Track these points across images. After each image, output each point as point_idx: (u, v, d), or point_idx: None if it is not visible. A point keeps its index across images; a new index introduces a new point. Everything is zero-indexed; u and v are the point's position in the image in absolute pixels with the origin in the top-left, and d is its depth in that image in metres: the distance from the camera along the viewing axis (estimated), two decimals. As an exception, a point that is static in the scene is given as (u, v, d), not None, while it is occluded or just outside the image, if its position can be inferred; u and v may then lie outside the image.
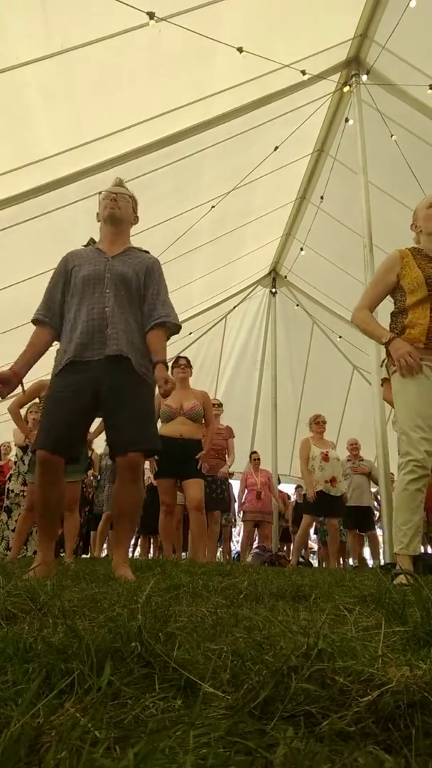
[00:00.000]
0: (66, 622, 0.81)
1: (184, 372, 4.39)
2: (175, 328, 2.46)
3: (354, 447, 7.00)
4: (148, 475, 5.50)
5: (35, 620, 0.95)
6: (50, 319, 2.41)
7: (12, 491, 4.87)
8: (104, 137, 4.90)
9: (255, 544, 7.19)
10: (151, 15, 4.07)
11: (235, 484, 7.91)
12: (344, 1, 5.12)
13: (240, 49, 4.64)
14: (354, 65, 5.80)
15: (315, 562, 8.61)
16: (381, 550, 5.23)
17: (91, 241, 2.60)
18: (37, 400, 4.33)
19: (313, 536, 8.92)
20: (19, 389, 2.33)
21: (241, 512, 7.33)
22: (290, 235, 8.75)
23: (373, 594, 1.35)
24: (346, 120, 6.18)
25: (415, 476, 2.32)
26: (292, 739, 0.44)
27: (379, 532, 6.00)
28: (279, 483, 9.01)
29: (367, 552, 8.14)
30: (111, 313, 2.30)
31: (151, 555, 7.41)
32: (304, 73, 5.34)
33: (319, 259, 8.27)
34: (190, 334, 9.24)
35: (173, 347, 7.55)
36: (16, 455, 5.09)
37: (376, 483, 6.42)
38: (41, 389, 3.92)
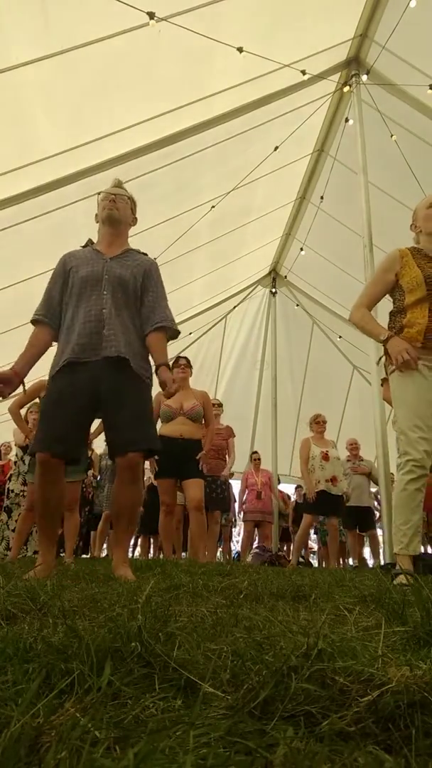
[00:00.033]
0: (66, 622, 0.81)
1: (184, 372, 4.40)
2: (174, 333, 2.47)
3: (353, 447, 7.00)
4: (149, 476, 5.51)
5: (35, 620, 0.95)
6: (50, 319, 2.41)
7: (12, 491, 4.87)
8: (104, 137, 4.90)
9: (255, 544, 7.18)
10: (151, 15, 4.07)
11: (236, 484, 7.91)
12: (344, 1, 5.12)
13: (240, 49, 4.64)
14: (354, 65, 5.80)
15: (315, 562, 8.61)
16: (381, 550, 5.23)
17: (90, 242, 2.59)
18: (37, 400, 4.33)
19: (313, 536, 8.92)
20: (20, 389, 2.33)
21: (242, 512, 7.33)
22: (290, 235, 8.75)
23: (373, 594, 1.35)
24: (346, 120, 6.18)
25: (414, 476, 2.32)
26: (292, 739, 0.44)
27: (379, 531, 6.00)
28: (279, 483, 9.01)
29: (367, 552, 8.14)
30: (108, 315, 2.30)
31: (151, 555, 7.41)
32: (304, 73, 5.34)
33: (319, 259, 8.27)
34: (190, 334, 9.23)
35: (173, 347, 7.55)
36: (17, 455, 5.09)
37: (376, 483, 6.42)
38: (41, 389, 3.91)
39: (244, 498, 7.27)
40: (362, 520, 6.68)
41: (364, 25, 5.40)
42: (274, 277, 9.95)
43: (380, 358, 2.81)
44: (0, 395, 2.25)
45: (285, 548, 9.00)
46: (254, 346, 10.59)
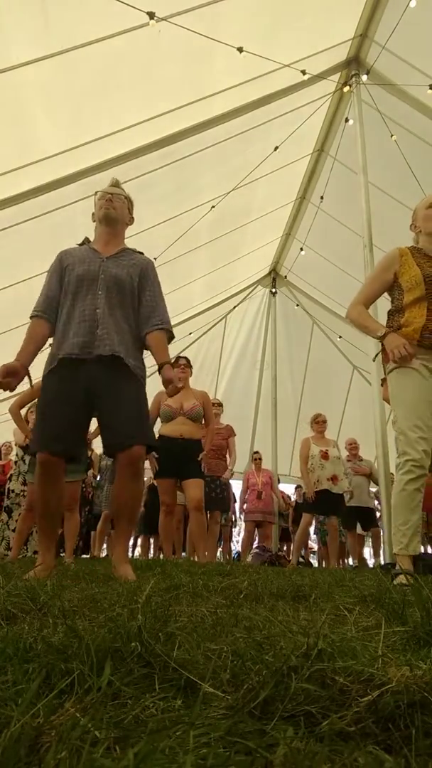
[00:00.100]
0: (66, 622, 0.81)
1: (184, 372, 4.40)
2: (170, 336, 2.47)
3: (353, 447, 7.00)
4: (149, 476, 5.51)
5: (35, 620, 0.95)
6: (48, 315, 2.42)
7: (13, 491, 4.87)
8: (104, 137, 4.91)
9: (255, 544, 7.18)
10: (151, 15, 4.07)
11: (236, 484, 7.91)
12: (344, 1, 5.12)
13: (240, 49, 4.65)
14: (354, 65, 5.80)
15: (315, 562, 8.61)
16: (381, 550, 5.23)
17: (86, 240, 2.60)
18: (37, 400, 4.33)
19: (313, 536, 8.92)
20: (26, 381, 2.33)
21: (242, 513, 7.32)
22: (290, 235, 8.75)
23: (373, 594, 1.35)
24: (346, 120, 6.18)
25: (413, 476, 2.32)
26: (292, 739, 0.44)
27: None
28: (278, 483, 9.01)
29: (367, 552, 8.13)
30: (102, 315, 2.30)
31: (151, 555, 7.41)
32: (304, 73, 5.34)
33: (319, 259, 8.27)
34: (190, 334, 9.24)
35: (173, 347, 7.54)
36: (17, 455, 5.09)
37: (377, 483, 6.42)
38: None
39: (245, 498, 7.26)
40: (364, 519, 6.68)
41: (364, 25, 5.40)
42: (274, 277, 9.96)
43: (377, 355, 2.81)
44: (9, 388, 2.24)
45: (285, 548, 9.00)
46: (254, 346, 10.59)
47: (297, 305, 9.93)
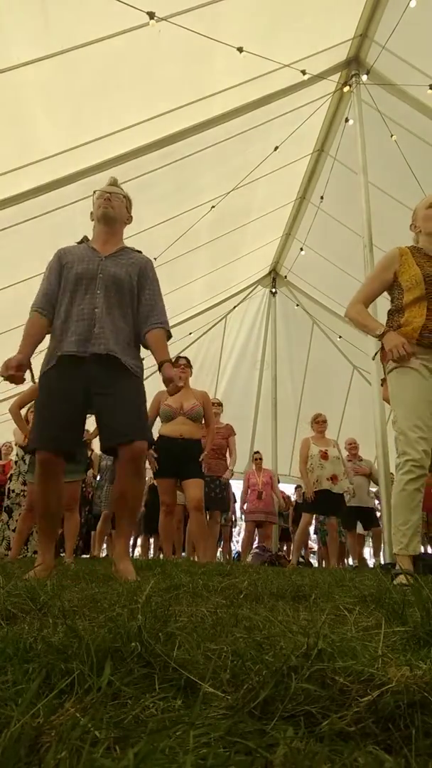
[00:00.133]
0: (66, 622, 0.81)
1: (184, 372, 4.40)
2: (168, 335, 2.48)
3: (352, 447, 7.00)
4: (149, 476, 5.50)
5: (35, 620, 0.95)
6: (47, 312, 2.42)
7: (13, 491, 4.88)
8: (104, 137, 4.90)
9: (255, 544, 7.18)
10: (151, 15, 4.07)
11: (237, 484, 7.91)
12: (344, 1, 5.12)
13: (240, 49, 4.64)
14: (354, 65, 5.80)
15: (315, 562, 8.61)
16: (381, 551, 5.23)
17: (85, 239, 2.61)
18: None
19: (313, 536, 8.92)
20: (28, 375, 2.34)
21: (243, 513, 7.32)
22: (290, 235, 8.75)
23: (373, 594, 1.35)
24: (346, 120, 6.18)
25: (413, 476, 2.32)
26: (292, 739, 0.44)
27: (381, 530, 5.99)
28: (278, 483, 9.01)
29: (367, 552, 8.13)
30: (100, 314, 2.31)
31: (151, 555, 7.41)
32: (304, 73, 5.34)
33: (319, 259, 8.27)
34: (190, 334, 9.24)
35: (173, 347, 7.54)
36: (17, 455, 5.10)
37: (377, 483, 6.42)
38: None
39: (246, 498, 7.26)
40: (364, 519, 6.68)
41: (364, 25, 5.40)
42: (274, 277, 9.96)
43: (376, 353, 2.81)
44: (15, 381, 2.26)
45: (285, 548, 9.00)
46: (254, 346, 10.59)
47: (297, 305, 9.93)
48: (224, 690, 0.56)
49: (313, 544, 9.90)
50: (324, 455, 5.63)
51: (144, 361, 2.48)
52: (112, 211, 2.52)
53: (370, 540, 7.48)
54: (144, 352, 2.48)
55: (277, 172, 6.73)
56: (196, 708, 0.49)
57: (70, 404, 2.25)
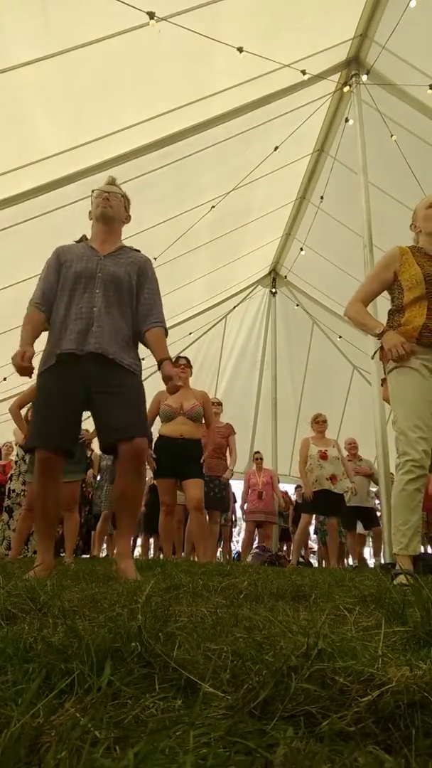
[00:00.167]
0: (66, 622, 0.81)
1: (184, 372, 4.40)
2: (165, 333, 2.49)
3: (352, 447, 7.00)
4: (149, 476, 5.50)
5: (35, 620, 0.95)
6: (46, 308, 2.43)
7: (13, 491, 4.88)
8: (104, 137, 4.90)
9: (255, 544, 7.18)
10: (151, 15, 4.07)
11: (237, 484, 7.90)
12: (344, 1, 5.12)
13: (240, 49, 4.64)
14: (354, 65, 5.80)
15: (315, 562, 8.61)
16: (382, 551, 5.22)
17: (84, 238, 2.61)
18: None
19: (313, 536, 8.92)
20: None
21: (243, 513, 7.32)
22: (290, 235, 8.75)
23: (373, 594, 1.35)
24: (346, 120, 6.18)
25: (413, 476, 2.32)
26: (292, 739, 0.44)
27: (381, 529, 5.98)
28: (278, 483, 9.00)
29: (367, 552, 8.12)
30: (98, 313, 2.32)
31: (151, 555, 7.41)
32: (304, 73, 5.34)
33: (319, 259, 8.27)
34: (190, 334, 9.24)
35: (173, 347, 7.53)
36: (18, 455, 5.10)
37: (377, 483, 6.42)
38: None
39: (247, 498, 7.26)
40: (365, 518, 6.68)
41: (364, 25, 5.40)
42: (274, 277, 9.96)
43: (375, 352, 2.81)
44: (28, 373, 2.27)
45: (285, 548, 9.00)
46: (254, 346, 10.59)
47: (297, 305, 9.93)
48: (224, 690, 0.56)
49: (313, 544, 9.91)
50: (323, 455, 5.63)
51: (144, 361, 2.48)
52: (111, 211, 2.52)
53: (371, 540, 7.48)
54: (145, 352, 2.49)
55: (277, 172, 6.73)
56: (196, 708, 0.49)
57: (69, 403, 2.26)
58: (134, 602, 1.06)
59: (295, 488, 9.86)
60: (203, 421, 4.41)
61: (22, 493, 4.78)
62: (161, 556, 5.59)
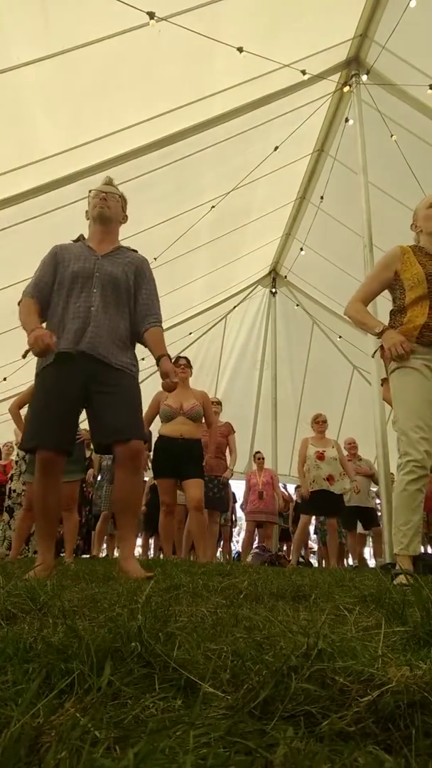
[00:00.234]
0: (66, 622, 0.81)
1: (184, 372, 4.40)
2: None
3: (352, 447, 7.00)
4: (150, 476, 5.50)
5: (35, 620, 0.95)
6: (41, 300, 2.43)
7: (14, 491, 4.88)
8: (104, 137, 4.90)
9: (255, 544, 7.18)
10: (151, 15, 4.07)
11: (237, 484, 7.90)
12: (344, 1, 5.12)
13: (240, 49, 4.64)
14: (354, 65, 5.80)
15: (315, 562, 8.61)
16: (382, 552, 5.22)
17: (81, 237, 2.61)
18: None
19: (313, 536, 8.92)
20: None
21: (243, 513, 7.31)
22: (290, 235, 8.75)
23: (373, 594, 1.35)
24: (346, 120, 6.18)
25: (414, 476, 2.32)
26: (292, 739, 0.44)
27: (382, 529, 5.98)
28: (279, 483, 9.00)
29: (367, 552, 8.12)
30: (96, 313, 2.32)
31: (151, 554, 7.41)
32: (304, 73, 5.34)
33: (319, 259, 8.27)
34: (190, 334, 9.24)
35: (174, 347, 7.54)
36: (18, 455, 5.10)
37: (378, 483, 6.41)
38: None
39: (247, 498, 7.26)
40: (365, 518, 6.68)
41: (364, 25, 5.40)
42: (274, 277, 9.95)
43: (375, 351, 2.81)
44: (47, 351, 2.19)
45: (285, 548, 8.99)
46: (254, 346, 10.58)
47: (297, 305, 9.93)
48: (224, 690, 0.56)
49: (313, 544, 9.91)
50: (320, 456, 5.63)
51: (143, 362, 2.48)
52: (108, 211, 2.53)
53: (371, 540, 7.48)
54: (143, 353, 2.49)
55: (277, 172, 6.73)
56: (196, 708, 0.49)
57: (68, 402, 2.26)
58: (134, 602, 1.06)
59: (296, 488, 9.85)
60: (203, 421, 4.41)
61: (23, 493, 4.78)
62: (161, 555, 5.59)
